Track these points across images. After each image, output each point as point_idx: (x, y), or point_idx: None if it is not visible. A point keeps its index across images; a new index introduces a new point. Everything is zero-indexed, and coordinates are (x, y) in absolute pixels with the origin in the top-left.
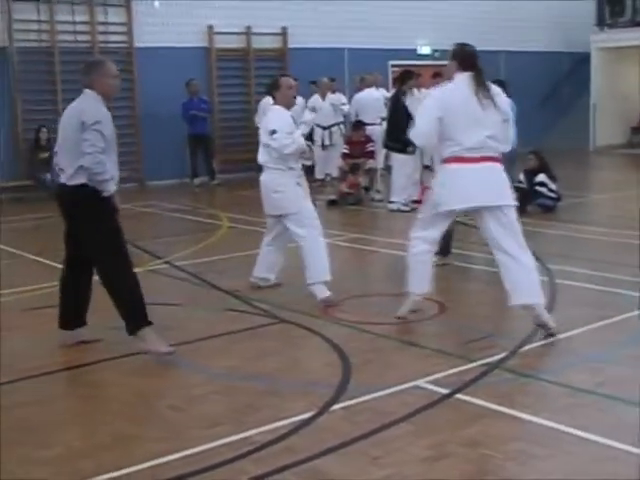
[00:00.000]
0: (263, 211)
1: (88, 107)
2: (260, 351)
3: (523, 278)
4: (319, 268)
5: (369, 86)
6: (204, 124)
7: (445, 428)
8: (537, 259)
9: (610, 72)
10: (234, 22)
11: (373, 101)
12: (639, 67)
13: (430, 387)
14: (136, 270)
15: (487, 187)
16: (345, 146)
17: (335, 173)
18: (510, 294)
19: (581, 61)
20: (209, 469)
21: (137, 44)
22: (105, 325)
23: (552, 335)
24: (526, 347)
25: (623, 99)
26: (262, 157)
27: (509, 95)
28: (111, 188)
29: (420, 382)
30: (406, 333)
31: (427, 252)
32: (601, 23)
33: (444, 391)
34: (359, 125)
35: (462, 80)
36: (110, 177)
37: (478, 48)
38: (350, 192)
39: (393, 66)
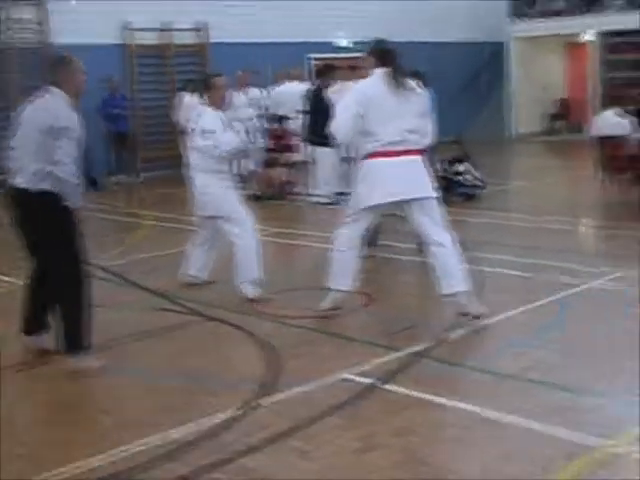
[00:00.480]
0: (188, 209)
1: (58, 109)
2: (188, 349)
3: (451, 267)
4: (251, 267)
5: (290, 80)
6: (125, 122)
7: (374, 419)
8: (462, 247)
9: (527, 61)
10: (152, 18)
11: (291, 95)
12: (554, 55)
13: (358, 378)
14: None
15: (408, 180)
16: (268, 141)
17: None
18: (440, 283)
19: (499, 51)
20: (137, 471)
21: (53, 41)
22: None
23: (477, 319)
24: (452, 335)
25: (541, 87)
26: (193, 160)
27: (426, 85)
28: (79, 201)
29: (348, 374)
30: (334, 325)
31: (350, 249)
32: (516, 13)
33: (372, 382)
34: (281, 119)
35: (380, 75)
36: (79, 189)
37: (397, 39)
38: (269, 187)
39: (313, 59)
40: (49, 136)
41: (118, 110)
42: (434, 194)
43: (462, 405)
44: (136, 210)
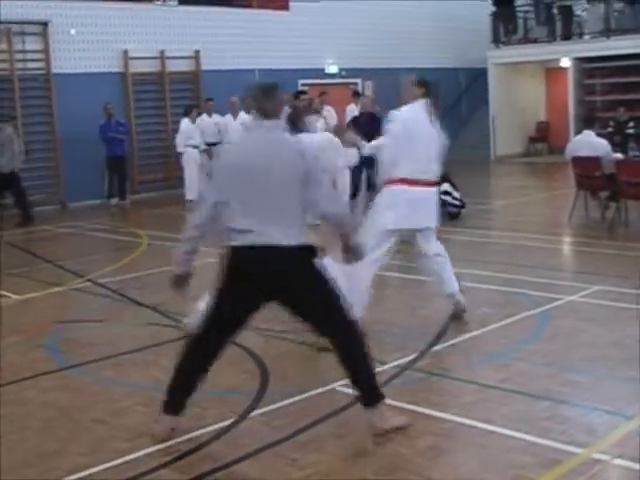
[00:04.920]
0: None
1: (297, 139)
2: None
3: (450, 271)
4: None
5: None
6: (122, 146)
7: (360, 428)
8: None
9: (507, 86)
10: (148, 47)
11: None
12: (534, 80)
13: (345, 390)
14: (59, 289)
15: (425, 211)
16: None
17: None
18: (446, 284)
19: (479, 76)
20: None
21: (55, 70)
22: (30, 344)
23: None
24: (435, 347)
25: (520, 111)
26: None
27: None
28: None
29: (336, 385)
30: (322, 339)
31: (370, 267)
32: (496, 40)
33: None
34: None
35: (421, 105)
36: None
37: (382, 66)
38: None
39: (303, 85)
40: (303, 174)
41: (112, 134)
42: (435, 223)
43: (445, 415)
44: (134, 229)
